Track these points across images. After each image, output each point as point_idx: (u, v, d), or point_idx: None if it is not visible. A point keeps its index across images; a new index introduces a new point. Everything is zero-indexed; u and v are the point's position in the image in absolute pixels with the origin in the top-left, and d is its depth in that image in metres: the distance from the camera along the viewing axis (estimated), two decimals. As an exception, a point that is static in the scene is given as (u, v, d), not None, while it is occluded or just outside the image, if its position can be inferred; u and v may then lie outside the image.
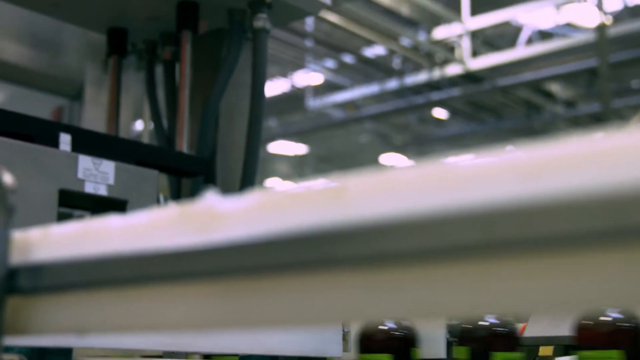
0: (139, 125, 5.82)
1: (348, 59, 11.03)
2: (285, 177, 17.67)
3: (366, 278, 0.44)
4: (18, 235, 0.65)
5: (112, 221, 0.59)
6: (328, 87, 12.02)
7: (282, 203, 0.47)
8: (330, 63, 11.54)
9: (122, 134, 2.32)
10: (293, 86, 12.44)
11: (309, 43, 10.62)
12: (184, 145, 2.02)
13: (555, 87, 11.92)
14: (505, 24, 10.65)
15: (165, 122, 2.27)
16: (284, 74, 12.05)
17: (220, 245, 0.49)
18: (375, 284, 0.43)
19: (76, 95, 4.13)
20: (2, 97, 5.36)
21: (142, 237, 0.54)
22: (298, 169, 17.05)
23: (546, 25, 10.48)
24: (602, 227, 0.35)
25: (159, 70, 2.33)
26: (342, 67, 11.44)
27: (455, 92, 11.04)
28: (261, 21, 2.04)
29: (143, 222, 0.55)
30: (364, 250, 0.43)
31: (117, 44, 2.25)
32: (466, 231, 0.40)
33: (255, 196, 0.50)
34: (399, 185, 0.42)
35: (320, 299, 0.46)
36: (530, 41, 10.46)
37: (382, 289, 0.43)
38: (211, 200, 0.52)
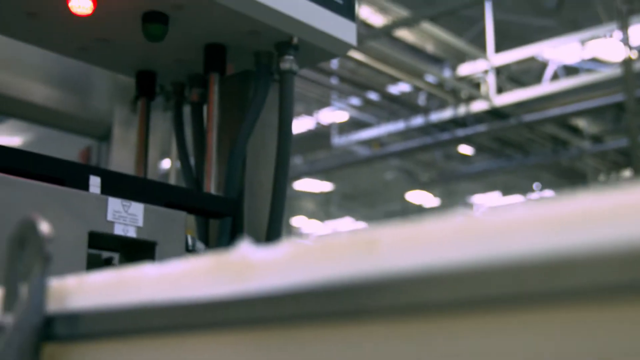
0: (166, 163, 5.87)
1: (373, 96, 11.06)
2: (310, 215, 17.67)
3: (398, 329, 0.44)
4: (54, 284, 0.66)
5: (146, 270, 0.60)
6: (353, 125, 12.06)
7: (315, 254, 0.48)
8: (355, 100, 11.59)
9: (150, 173, 2.35)
10: (318, 124, 12.49)
11: (334, 81, 10.67)
12: (211, 186, 2.04)
13: (581, 122, 11.88)
14: (530, 60, 10.66)
15: (192, 161, 2.29)
16: (309, 111, 12.11)
17: (255, 295, 0.49)
18: (407, 336, 0.44)
19: (104, 136, 4.19)
20: (30, 138, 5.42)
21: (177, 287, 0.55)
22: (323, 206, 17.06)
23: (572, 60, 10.48)
24: (630, 280, 0.36)
25: (186, 110, 2.36)
26: (367, 105, 11.48)
27: (480, 128, 11.03)
28: (288, 63, 2.06)
29: (177, 271, 0.56)
30: (396, 301, 0.43)
31: (146, 86, 2.28)
32: (497, 283, 0.40)
33: (288, 246, 0.50)
34: (430, 238, 0.43)
35: (353, 349, 0.46)
36: (555, 76, 10.46)
37: (414, 340, 0.44)
38: (245, 249, 0.53)
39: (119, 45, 2.12)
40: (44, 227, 0.62)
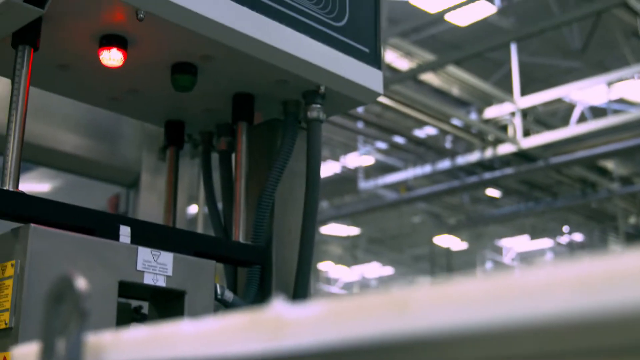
0: (193, 208, 5.90)
1: (399, 140, 11.09)
2: (337, 259, 17.63)
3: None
4: (91, 339, 0.67)
5: (182, 326, 0.60)
6: (380, 168, 12.08)
7: (348, 313, 0.48)
8: (381, 144, 11.61)
9: (178, 218, 2.36)
10: (344, 167, 12.51)
11: (359, 125, 10.71)
12: (240, 234, 2.05)
13: (610, 164, 11.82)
14: (557, 102, 10.65)
15: (220, 206, 2.31)
16: (335, 155, 12.15)
17: (289, 354, 0.50)
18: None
19: (132, 183, 4.23)
20: (59, 185, 5.48)
21: (212, 344, 0.56)
22: (350, 250, 17.01)
23: (599, 101, 10.46)
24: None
25: (213, 157, 2.38)
26: (394, 148, 11.50)
27: (508, 171, 11.00)
28: (315, 111, 2.08)
29: (212, 328, 0.57)
30: (429, 360, 0.44)
31: (175, 136, 2.31)
32: (527, 342, 0.40)
33: (321, 304, 0.51)
34: (460, 297, 0.43)
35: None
36: (583, 118, 10.43)
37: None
38: (279, 307, 0.53)
39: (148, 96, 2.16)
40: (81, 283, 0.64)
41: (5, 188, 1.60)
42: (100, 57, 1.83)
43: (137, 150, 4.08)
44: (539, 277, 0.41)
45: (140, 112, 2.31)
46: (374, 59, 2.16)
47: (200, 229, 4.65)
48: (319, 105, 2.08)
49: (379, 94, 2.17)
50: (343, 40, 2.08)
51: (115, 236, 1.70)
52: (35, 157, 3.76)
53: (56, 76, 2.03)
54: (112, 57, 1.82)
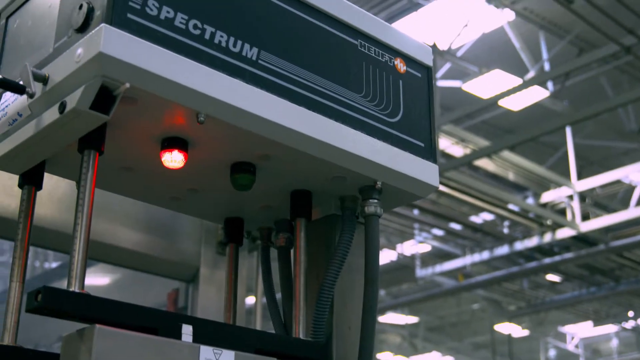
0: (250, 299, 5.91)
1: (455, 226, 11.03)
2: (396, 349, 17.38)
3: None
4: None
5: None
6: (437, 256, 12.00)
7: None
8: (437, 231, 11.56)
9: (238, 312, 2.38)
10: (401, 255, 12.45)
11: (415, 212, 10.71)
12: (300, 330, 2.05)
13: (672, 247, 11.56)
14: (616, 184, 10.54)
15: (278, 299, 2.31)
16: (392, 243, 12.11)
17: None
18: None
19: (192, 278, 4.26)
20: (118, 280, 5.55)
21: None
22: (409, 340, 16.78)
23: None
24: None
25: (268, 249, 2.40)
26: (450, 235, 11.44)
27: (568, 255, 10.83)
28: (372, 207, 2.09)
29: None
30: None
31: (234, 233, 2.34)
32: None
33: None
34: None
35: None
36: (642, 200, 10.29)
37: None
38: None
39: (208, 195, 2.20)
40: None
41: (71, 289, 1.63)
42: (162, 159, 1.87)
43: (195, 245, 4.12)
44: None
45: (200, 211, 2.35)
46: (430, 153, 2.18)
47: (258, 320, 4.65)
48: (376, 201, 2.10)
49: (435, 188, 2.18)
50: (398, 135, 2.11)
51: (178, 335, 1.71)
52: (96, 253, 3.83)
53: (120, 178, 2.09)
54: (173, 159, 1.87)
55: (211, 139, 1.88)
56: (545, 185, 10.83)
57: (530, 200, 10.61)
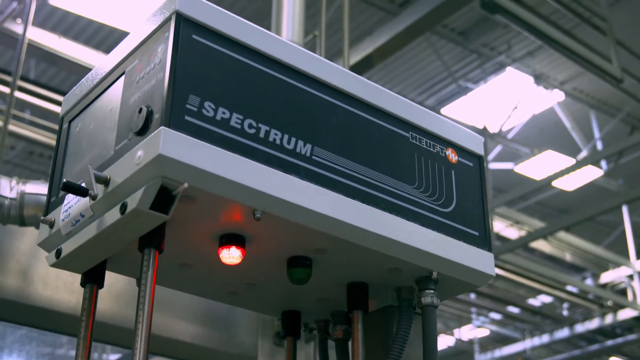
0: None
1: (513, 309, 10.86)
2: None
3: None
4: None
5: None
6: (495, 340, 11.78)
7: None
8: (495, 315, 11.38)
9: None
10: (459, 341, 12.25)
11: (472, 296, 10.57)
12: (360, 423, 2.03)
13: None
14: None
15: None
16: (449, 328, 11.94)
17: None
18: None
19: (249, 368, 4.25)
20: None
21: None
22: None
23: None
24: None
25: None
26: (508, 319, 11.25)
27: (631, 337, 10.55)
28: (429, 297, 2.09)
29: None
30: None
31: (291, 326, 2.35)
32: None
33: None
34: None
35: None
36: None
37: None
38: None
39: (265, 289, 2.22)
40: None
41: (134, 386, 1.65)
42: (220, 256, 1.90)
43: (252, 337, 4.13)
44: None
45: (257, 304, 2.37)
46: (484, 242, 2.18)
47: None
48: (432, 291, 2.09)
49: (491, 277, 2.18)
50: (452, 225, 2.11)
51: None
52: (156, 347, 3.85)
53: (179, 274, 2.12)
54: (231, 255, 1.90)
55: (268, 235, 1.91)
56: (604, 265, 10.65)
57: (589, 281, 10.43)
